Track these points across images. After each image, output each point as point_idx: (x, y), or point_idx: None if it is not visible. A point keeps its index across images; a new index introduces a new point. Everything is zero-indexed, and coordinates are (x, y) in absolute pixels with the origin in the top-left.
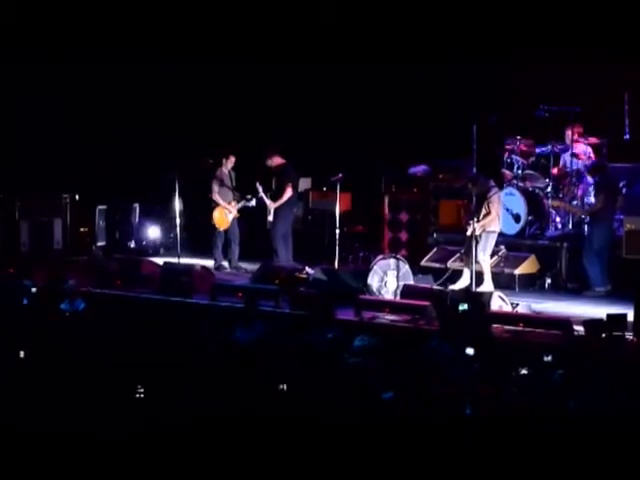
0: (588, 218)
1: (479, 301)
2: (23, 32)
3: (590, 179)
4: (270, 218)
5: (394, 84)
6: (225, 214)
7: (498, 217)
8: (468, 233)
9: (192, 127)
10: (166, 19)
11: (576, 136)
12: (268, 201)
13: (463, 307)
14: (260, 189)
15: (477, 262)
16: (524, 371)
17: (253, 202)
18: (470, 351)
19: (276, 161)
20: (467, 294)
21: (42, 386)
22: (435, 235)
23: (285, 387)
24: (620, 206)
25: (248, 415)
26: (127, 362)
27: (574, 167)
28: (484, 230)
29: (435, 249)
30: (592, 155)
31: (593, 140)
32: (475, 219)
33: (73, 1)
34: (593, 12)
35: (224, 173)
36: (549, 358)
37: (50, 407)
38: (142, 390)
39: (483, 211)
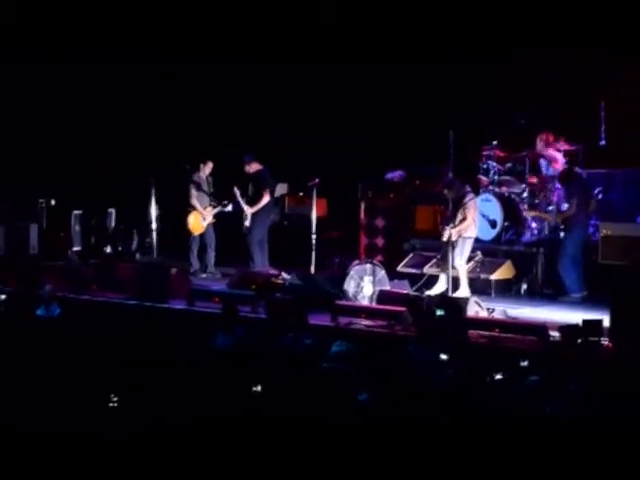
0: (563, 224)
1: (455, 306)
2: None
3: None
4: (247, 223)
5: (371, 88)
6: (200, 219)
7: (474, 223)
8: (444, 238)
9: (170, 132)
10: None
11: (551, 141)
12: (245, 206)
13: (440, 312)
14: (237, 194)
15: (453, 267)
16: (499, 376)
17: (230, 207)
18: (444, 357)
19: (254, 167)
20: (443, 299)
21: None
22: (411, 241)
23: (260, 388)
24: (593, 211)
25: (227, 417)
26: (103, 367)
27: (549, 173)
28: (460, 236)
29: (411, 255)
30: (563, 160)
31: (565, 147)
32: (451, 225)
33: (72, 1)
34: (568, 19)
35: (201, 178)
36: (525, 363)
37: (25, 409)
38: (116, 399)
39: (459, 217)
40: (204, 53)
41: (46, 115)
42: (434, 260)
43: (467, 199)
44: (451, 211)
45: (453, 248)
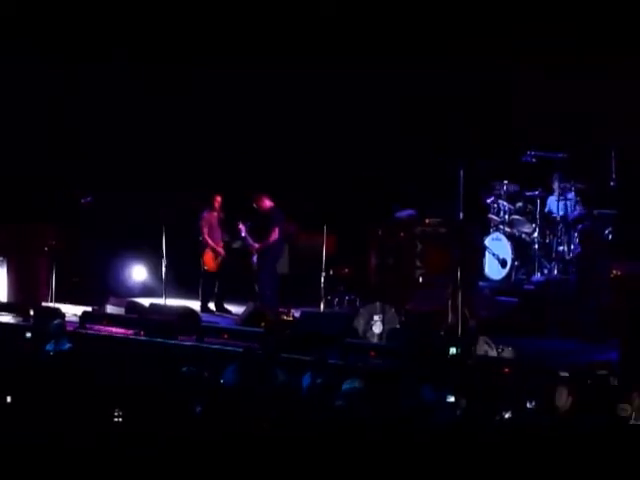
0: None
1: (466, 345)
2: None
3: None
4: (255, 260)
5: (382, 126)
6: (214, 256)
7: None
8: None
9: (177, 168)
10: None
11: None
12: (253, 243)
13: (453, 351)
14: (243, 230)
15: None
16: (508, 415)
17: (239, 243)
18: (451, 398)
19: (264, 204)
20: (454, 338)
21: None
22: (421, 279)
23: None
24: (605, 252)
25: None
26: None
27: (560, 213)
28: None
29: (421, 293)
30: (579, 202)
31: (579, 187)
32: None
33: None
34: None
35: (212, 215)
36: (532, 405)
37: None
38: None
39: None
40: (213, 77)
41: (56, 146)
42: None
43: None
44: (459, 253)
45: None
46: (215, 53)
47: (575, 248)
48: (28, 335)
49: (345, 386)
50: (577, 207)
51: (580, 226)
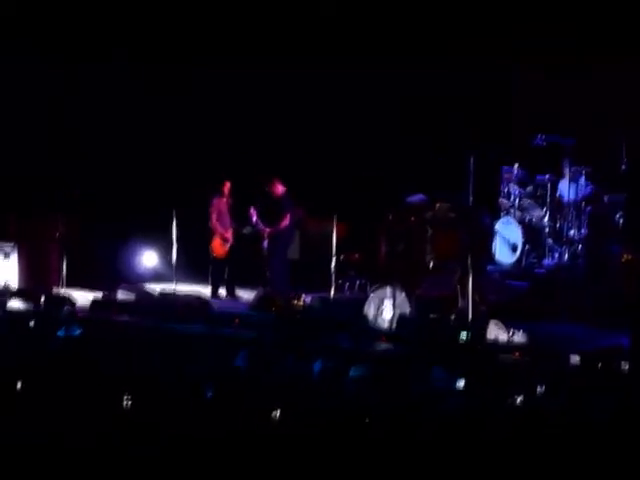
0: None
1: (477, 330)
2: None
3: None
4: (265, 245)
5: (392, 112)
6: (223, 242)
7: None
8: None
9: (189, 154)
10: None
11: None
12: (263, 228)
13: (464, 336)
14: (254, 215)
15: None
16: (520, 400)
17: (249, 229)
18: (461, 384)
19: (277, 189)
20: (465, 323)
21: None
22: (431, 264)
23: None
24: (614, 237)
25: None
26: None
27: (571, 197)
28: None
29: (431, 278)
30: (589, 185)
31: (590, 170)
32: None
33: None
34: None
35: (222, 201)
36: (542, 389)
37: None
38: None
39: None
40: (223, 70)
41: (67, 135)
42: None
43: (483, 224)
44: (467, 237)
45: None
46: (215, 53)
47: (585, 232)
48: (31, 324)
49: (353, 373)
50: (587, 187)
51: (589, 209)
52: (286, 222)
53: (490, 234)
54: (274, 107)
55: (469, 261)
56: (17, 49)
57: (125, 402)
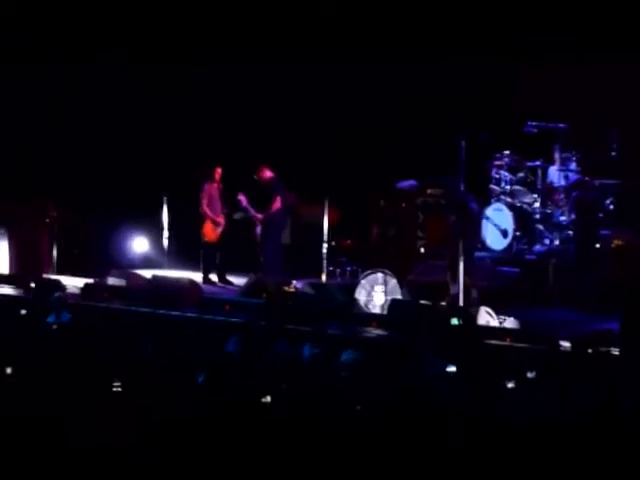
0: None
1: (468, 316)
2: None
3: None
4: (258, 231)
5: (383, 97)
6: (214, 227)
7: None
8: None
9: (179, 140)
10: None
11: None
12: (255, 214)
13: (455, 321)
14: (243, 201)
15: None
16: (511, 385)
17: (241, 214)
18: (452, 368)
19: (265, 174)
20: (456, 308)
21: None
22: (422, 250)
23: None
24: (603, 222)
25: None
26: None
27: (561, 183)
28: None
29: (422, 264)
30: (579, 172)
31: (580, 157)
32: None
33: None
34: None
35: (212, 186)
36: (533, 374)
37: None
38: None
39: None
40: (212, 56)
41: (58, 121)
42: (444, 269)
43: (469, 208)
44: (455, 222)
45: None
46: (215, 53)
47: (573, 217)
48: (23, 312)
49: (344, 357)
50: (577, 174)
51: (575, 194)
52: (277, 205)
53: (478, 220)
54: (266, 94)
55: (460, 247)
56: (17, 49)
57: (115, 387)
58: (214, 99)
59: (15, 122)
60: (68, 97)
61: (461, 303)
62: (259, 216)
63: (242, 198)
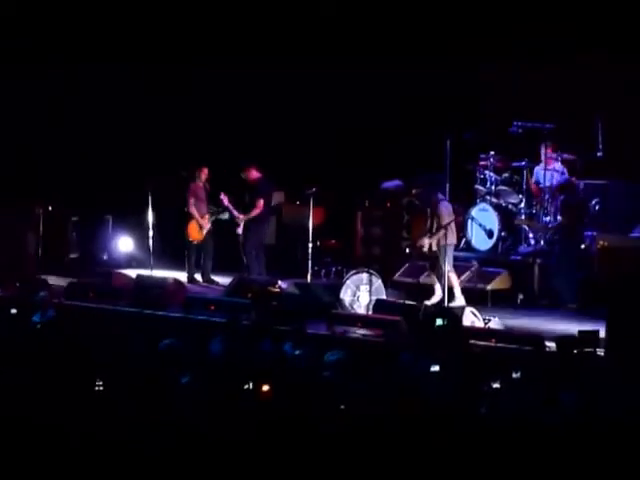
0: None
1: (453, 316)
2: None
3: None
4: (239, 231)
5: (369, 97)
6: (199, 227)
7: (451, 230)
8: (424, 249)
9: (165, 139)
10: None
11: (550, 152)
12: (237, 214)
13: (439, 322)
14: (225, 200)
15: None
16: (496, 385)
17: (226, 215)
18: (435, 368)
19: (252, 174)
20: (441, 309)
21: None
22: (407, 250)
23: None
24: (588, 224)
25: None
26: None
27: (547, 184)
28: (439, 244)
29: (407, 264)
30: (565, 172)
31: (566, 157)
32: (428, 234)
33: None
34: (566, 27)
35: (199, 186)
36: (518, 375)
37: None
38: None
39: (435, 225)
40: (204, 56)
41: (43, 121)
42: (428, 270)
43: (439, 207)
44: (428, 221)
45: (437, 258)
46: (207, 53)
47: (559, 218)
48: (13, 311)
49: (328, 357)
50: (563, 174)
51: (561, 196)
52: (258, 210)
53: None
54: (250, 95)
55: (441, 247)
56: (17, 49)
57: (97, 387)
58: (203, 99)
59: (15, 122)
60: (68, 97)
61: (445, 304)
62: (241, 217)
63: (223, 197)
